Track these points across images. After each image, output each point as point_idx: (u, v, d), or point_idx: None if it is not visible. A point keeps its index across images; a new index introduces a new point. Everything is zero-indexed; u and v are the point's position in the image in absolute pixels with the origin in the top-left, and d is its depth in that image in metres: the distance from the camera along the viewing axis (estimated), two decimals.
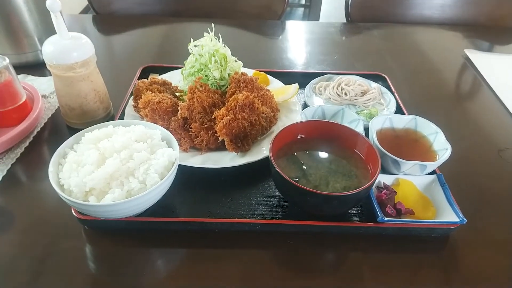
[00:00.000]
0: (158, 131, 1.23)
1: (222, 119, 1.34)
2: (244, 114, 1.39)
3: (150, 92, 1.48)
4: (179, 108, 1.39)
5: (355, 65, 2.20)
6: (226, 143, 1.35)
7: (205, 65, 1.50)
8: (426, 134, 1.45)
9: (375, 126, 1.44)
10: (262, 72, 1.85)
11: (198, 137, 1.40)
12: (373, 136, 1.36)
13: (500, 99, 1.92)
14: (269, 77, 1.85)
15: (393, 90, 1.85)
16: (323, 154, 1.28)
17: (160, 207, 1.17)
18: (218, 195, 1.30)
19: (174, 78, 1.76)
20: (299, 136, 1.34)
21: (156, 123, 1.39)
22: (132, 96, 1.56)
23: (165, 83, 1.61)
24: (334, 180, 1.19)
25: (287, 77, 1.94)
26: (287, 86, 1.72)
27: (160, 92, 1.55)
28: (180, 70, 1.70)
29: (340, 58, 2.26)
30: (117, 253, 1.11)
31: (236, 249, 1.13)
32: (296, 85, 1.69)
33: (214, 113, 1.36)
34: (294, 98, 1.70)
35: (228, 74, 1.55)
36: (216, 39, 1.55)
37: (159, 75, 1.89)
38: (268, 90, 1.60)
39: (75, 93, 1.46)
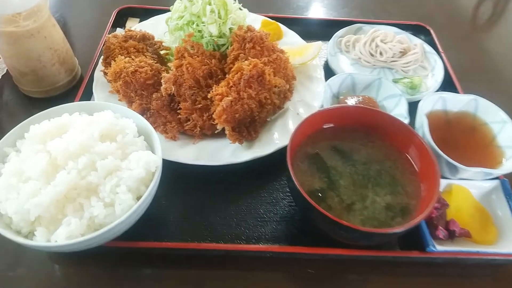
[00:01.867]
0: (131, 122, 0.89)
1: (221, 101, 0.98)
2: (251, 92, 1.02)
3: (123, 56, 1.09)
4: (162, 80, 1.02)
5: (387, 9, 1.75)
6: (226, 132, 1.01)
7: (198, 16, 1.09)
8: (488, 122, 1.10)
9: (425, 108, 1.09)
10: (273, 21, 1.42)
11: (189, 120, 1.05)
12: (424, 129, 1.02)
13: None
14: (282, 27, 1.43)
15: (440, 49, 1.44)
16: (358, 153, 0.96)
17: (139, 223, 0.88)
18: (215, 201, 1.00)
19: (159, 27, 1.35)
20: (326, 125, 1.00)
21: (131, 102, 1.03)
22: (102, 57, 1.17)
23: (144, 38, 1.21)
24: (373, 193, 0.88)
25: (302, 26, 1.52)
26: (307, 44, 1.32)
27: (138, 52, 1.16)
28: (168, 14, 1.28)
29: None
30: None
31: (240, 278, 0.87)
32: (319, 43, 1.29)
33: (211, 92, 1.00)
34: (314, 60, 1.31)
35: (230, 29, 1.14)
36: None
37: (140, 20, 1.47)
38: (282, 52, 1.21)
39: (23, 53, 1.08)
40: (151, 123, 1.02)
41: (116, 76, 1.00)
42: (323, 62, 1.42)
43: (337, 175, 0.91)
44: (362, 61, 1.40)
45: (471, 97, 1.11)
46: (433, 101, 1.11)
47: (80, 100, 1.17)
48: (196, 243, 0.89)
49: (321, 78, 1.27)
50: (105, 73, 1.12)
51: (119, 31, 1.42)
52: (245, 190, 1.03)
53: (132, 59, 1.06)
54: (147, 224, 0.86)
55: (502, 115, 1.07)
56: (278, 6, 1.70)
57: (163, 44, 1.23)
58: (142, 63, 1.05)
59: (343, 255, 0.88)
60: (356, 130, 0.99)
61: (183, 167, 0.99)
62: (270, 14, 1.48)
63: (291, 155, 0.88)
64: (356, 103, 1.18)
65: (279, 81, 1.13)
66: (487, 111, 1.10)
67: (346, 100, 1.19)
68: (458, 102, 1.12)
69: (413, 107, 1.14)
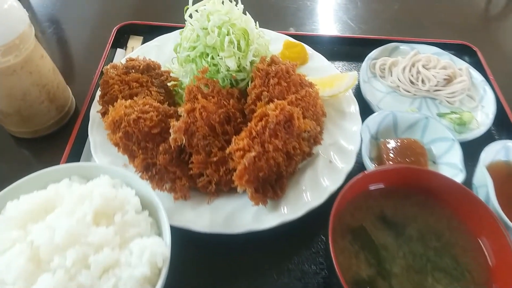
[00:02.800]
0: (133, 195, 0.71)
1: (243, 158, 0.80)
2: (277, 142, 0.84)
3: (124, 94, 0.91)
4: (171, 130, 0.84)
5: (423, 21, 1.54)
6: (248, 194, 0.83)
7: (214, 47, 0.90)
8: None
9: (486, 159, 0.91)
10: (298, 42, 1.23)
11: (202, 175, 0.88)
12: (490, 193, 0.83)
13: None
14: (308, 49, 1.23)
15: (489, 74, 1.25)
16: (412, 225, 0.78)
17: None
18: (231, 279, 0.83)
19: (165, 49, 1.16)
20: (372, 187, 0.82)
21: (133, 157, 0.85)
22: (99, 91, 0.99)
23: (149, 68, 1.02)
24: (434, 281, 0.71)
25: (329, 45, 1.33)
26: (339, 74, 1.13)
27: (141, 86, 0.98)
28: (176, 32, 1.09)
29: (402, 8, 1.59)
30: None
31: None
32: (355, 74, 1.09)
33: (230, 147, 0.82)
34: (348, 91, 1.12)
35: (251, 62, 0.95)
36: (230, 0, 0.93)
37: (143, 39, 1.28)
38: (311, 85, 1.02)
39: (4, 93, 0.90)
40: (157, 181, 0.85)
41: (114, 126, 0.82)
42: (354, 90, 1.23)
43: (389, 258, 0.73)
44: (401, 90, 1.20)
45: None
46: (494, 150, 0.93)
47: (75, 142, 1.00)
48: None
49: (355, 114, 1.08)
50: (103, 114, 0.94)
51: (119, 54, 1.23)
52: (266, 260, 0.86)
53: (135, 101, 0.88)
54: None
55: None
56: (297, 19, 1.50)
57: (171, 74, 1.04)
58: (147, 106, 0.87)
59: None
60: (409, 195, 0.81)
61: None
62: (291, 32, 1.29)
63: (332, 232, 0.70)
64: (397, 147, 0.99)
65: (309, 123, 0.94)
66: None
67: (387, 145, 1.00)
68: None
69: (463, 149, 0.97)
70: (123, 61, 1.03)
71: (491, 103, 1.16)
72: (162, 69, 1.06)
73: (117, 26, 1.26)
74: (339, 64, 1.32)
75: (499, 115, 1.15)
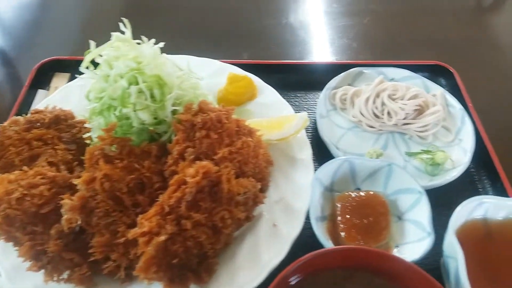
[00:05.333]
0: None
1: (148, 243, 0.64)
2: (198, 216, 0.68)
3: (21, 161, 0.76)
4: (62, 210, 0.68)
5: (397, 39, 1.37)
6: (162, 285, 0.67)
7: (121, 99, 0.74)
8: None
9: (457, 221, 0.74)
10: (244, 75, 1.06)
11: (109, 259, 0.72)
12: (460, 268, 0.67)
13: None
14: (257, 81, 1.07)
15: (468, 101, 1.08)
16: None
17: None
18: None
19: (73, 99, 1.00)
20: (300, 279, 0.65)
21: (18, 244, 0.69)
22: None
23: (58, 120, 0.86)
24: None
25: (282, 73, 1.16)
26: (287, 116, 0.96)
27: (45, 144, 0.82)
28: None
29: (373, 23, 1.42)
30: None
31: None
32: (304, 115, 0.93)
33: (131, 231, 0.66)
34: (301, 132, 0.96)
35: (173, 112, 0.79)
36: (139, 42, 0.76)
37: (70, 76, 1.12)
38: (251, 133, 0.86)
39: None
40: (50, 272, 0.69)
41: None
42: (310, 127, 1.07)
43: None
44: (363, 125, 1.04)
45: None
46: (469, 209, 0.76)
47: None
48: None
49: (307, 161, 0.92)
50: None
51: (40, 95, 1.08)
52: None
53: (24, 172, 0.72)
54: None
55: None
56: (250, 42, 1.34)
57: (87, 123, 0.88)
58: (38, 177, 0.71)
59: None
60: (356, 279, 0.65)
61: None
62: (241, 61, 1.12)
63: None
64: (354, 204, 0.83)
65: (245, 183, 0.78)
66: None
67: (343, 201, 0.84)
68: (504, 207, 0.77)
69: (434, 195, 0.82)
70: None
71: (469, 137, 1.00)
72: (79, 117, 0.90)
73: (38, 64, 1.10)
74: (296, 96, 1.15)
75: (479, 151, 0.98)
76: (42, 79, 1.11)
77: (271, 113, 1.01)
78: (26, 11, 1.40)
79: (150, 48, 0.76)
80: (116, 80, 0.72)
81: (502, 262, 0.77)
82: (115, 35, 0.73)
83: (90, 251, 0.70)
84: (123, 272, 0.71)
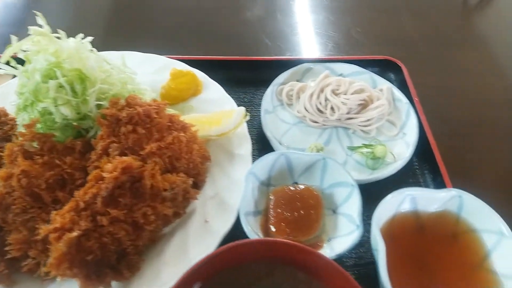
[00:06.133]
0: None
1: (59, 239, 0.63)
2: (116, 212, 0.67)
3: None
4: None
5: (352, 33, 1.37)
6: (78, 283, 0.66)
7: (37, 96, 0.72)
8: (478, 229, 0.76)
9: (383, 216, 0.74)
10: (188, 70, 1.05)
11: (28, 257, 0.70)
12: (380, 261, 0.67)
13: None
14: (201, 77, 1.06)
15: (414, 96, 1.08)
16: None
17: None
18: None
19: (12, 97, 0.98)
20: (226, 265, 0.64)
21: None
22: None
23: None
24: None
25: (230, 70, 1.16)
26: (226, 111, 0.96)
27: None
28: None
29: (327, 19, 1.42)
30: None
31: None
32: (242, 110, 0.92)
33: (44, 227, 0.64)
34: (241, 127, 0.95)
35: (98, 106, 0.78)
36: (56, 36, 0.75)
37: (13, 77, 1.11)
38: (184, 128, 0.85)
39: None
40: None
41: None
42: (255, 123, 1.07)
43: None
44: (307, 121, 1.04)
45: (453, 193, 0.76)
46: (396, 202, 0.76)
47: None
48: None
49: (247, 156, 0.91)
50: None
51: None
52: None
53: None
54: None
55: (500, 223, 0.72)
56: (199, 38, 1.33)
57: (17, 120, 0.86)
58: None
59: None
60: (272, 273, 0.65)
61: None
62: (184, 56, 1.12)
63: None
64: (287, 198, 0.83)
65: (172, 179, 0.77)
66: (476, 213, 0.75)
67: (276, 195, 0.84)
68: (435, 200, 0.77)
69: (375, 188, 0.84)
70: None
71: (413, 131, 1.00)
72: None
73: None
74: (245, 92, 1.14)
75: (422, 145, 0.98)
76: None
77: (215, 109, 1.00)
78: None
79: (72, 42, 0.75)
80: (35, 73, 0.71)
81: (432, 255, 0.77)
82: (32, 28, 0.72)
83: (7, 248, 0.69)
84: (43, 269, 0.70)
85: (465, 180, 0.91)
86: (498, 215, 0.73)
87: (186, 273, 0.58)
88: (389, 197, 0.74)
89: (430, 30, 1.40)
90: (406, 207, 0.78)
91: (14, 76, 1.08)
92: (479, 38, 1.39)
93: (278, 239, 0.75)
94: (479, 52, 1.32)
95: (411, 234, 0.78)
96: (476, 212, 0.75)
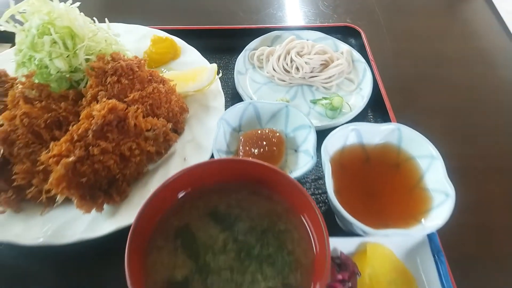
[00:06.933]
0: None
1: (58, 163, 0.75)
2: (105, 145, 0.80)
3: None
4: None
5: (320, 5, 1.51)
6: (74, 202, 0.79)
7: (35, 50, 0.85)
8: (415, 156, 0.90)
9: (332, 147, 0.88)
10: (166, 36, 1.18)
11: (32, 185, 0.82)
12: (327, 180, 0.80)
13: None
14: (179, 42, 1.19)
15: (371, 57, 1.22)
16: (243, 219, 0.74)
17: None
18: None
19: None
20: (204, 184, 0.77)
21: None
22: None
23: None
24: (252, 276, 0.67)
25: (209, 38, 1.29)
26: (199, 68, 1.08)
27: None
28: None
29: None
30: None
31: None
32: (214, 66, 1.05)
33: (43, 154, 0.77)
34: (215, 84, 1.08)
35: (87, 60, 0.90)
36: None
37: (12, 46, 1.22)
38: (163, 81, 0.98)
39: None
40: None
41: None
42: (229, 82, 1.20)
43: (209, 254, 0.70)
44: (276, 80, 1.17)
45: (393, 126, 0.90)
46: (343, 135, 0.90)
47: None
48: None
49: (220, 108, 1.04)
50: None
51: None
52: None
53: None
54: None
55: (430, 148, 0.86)
56: (182, 13, 1.46)
57: (19, 77, 0.98)
58: None
59: None
60: (240, 188, 0.77)
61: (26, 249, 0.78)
62: (167, 26, 1.24)
63: (139, 238, 0.66)
64: (254, 139, 0.96)
65: (153, 122, 0.90)
66: (412, 142, 0.89)
67: (245, 137, 0.97)
68: (377, 133, 0.91)
69: None
70: None
71: (368, 86, 1.14)
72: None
73: None
74: (221, 58, 1.27)
75: (375, 97, 1.12)
76: None
77: None
78: None
79: (62, 5, 0.87)
80: (30, 30, 0.83)
81: (377, 181, 0.90)
82: None
83: (14, 177, 0.81)
84: (45, 195, 0.82)
85: (408, 120, 1.05)
86: (429, 141, 0.86)
87: (169, 179, 0.70)
88: (337, 130, 0.88)
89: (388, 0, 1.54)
90: (353, 140, 0.91)
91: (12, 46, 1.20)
92: (431, 7, 1.54)
93: (247, 158, 0.87)
94: (430, 20, 1.47)
95: (359, 164, 0.91)
96: (413, 142, 0.89)
